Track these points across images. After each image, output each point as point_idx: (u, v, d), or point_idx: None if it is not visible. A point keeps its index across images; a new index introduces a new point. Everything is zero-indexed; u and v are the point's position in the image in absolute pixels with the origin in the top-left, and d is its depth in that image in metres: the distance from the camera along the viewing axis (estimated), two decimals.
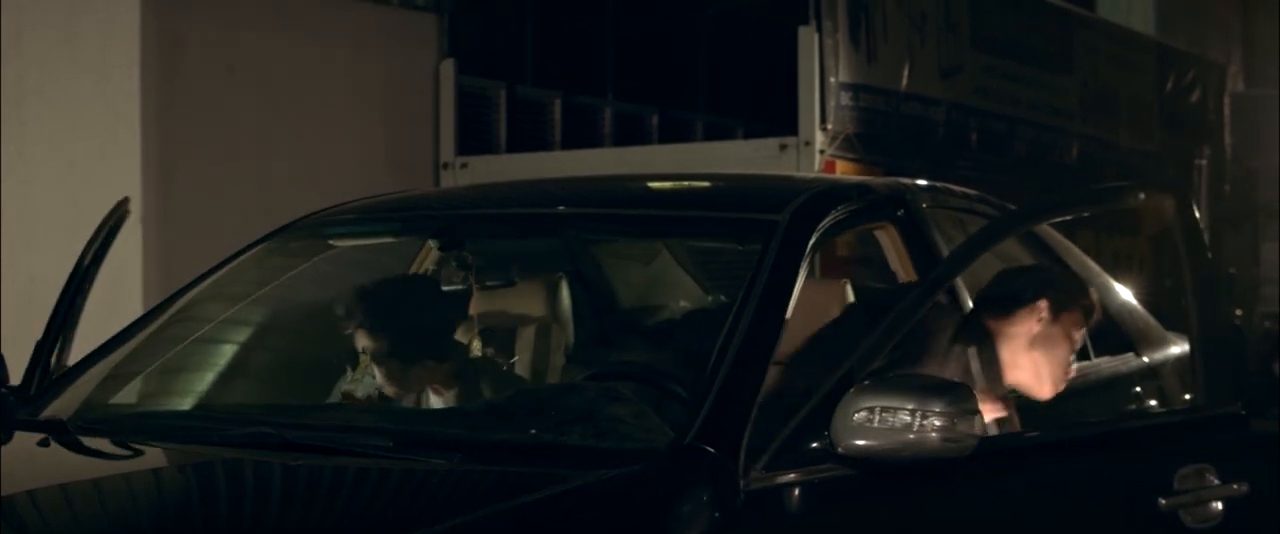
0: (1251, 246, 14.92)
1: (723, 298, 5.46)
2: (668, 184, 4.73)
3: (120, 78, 7.62)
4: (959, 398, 3.07)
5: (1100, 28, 12.21)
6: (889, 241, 4.05)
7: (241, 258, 4.24)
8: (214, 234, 8.28)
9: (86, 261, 4.07)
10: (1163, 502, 3.73)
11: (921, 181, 4.60)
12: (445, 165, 9.10)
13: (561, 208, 4.06)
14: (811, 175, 6.27)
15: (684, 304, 5.51)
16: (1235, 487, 3.86)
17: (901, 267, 4.06)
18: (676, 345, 4.33)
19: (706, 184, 4.59)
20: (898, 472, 3.09)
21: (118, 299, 7.41)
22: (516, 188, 4.60)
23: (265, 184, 8.57)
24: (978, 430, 3.11)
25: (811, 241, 3.60)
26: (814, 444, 3.08)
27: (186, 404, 4.09)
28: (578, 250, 4.79)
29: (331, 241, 4.26)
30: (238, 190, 8.46)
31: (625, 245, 4.67)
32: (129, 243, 7.51)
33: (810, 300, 3.72)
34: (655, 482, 3.02)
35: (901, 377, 3.24)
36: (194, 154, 8.21)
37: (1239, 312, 14.04)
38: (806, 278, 3.55)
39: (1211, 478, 3.82)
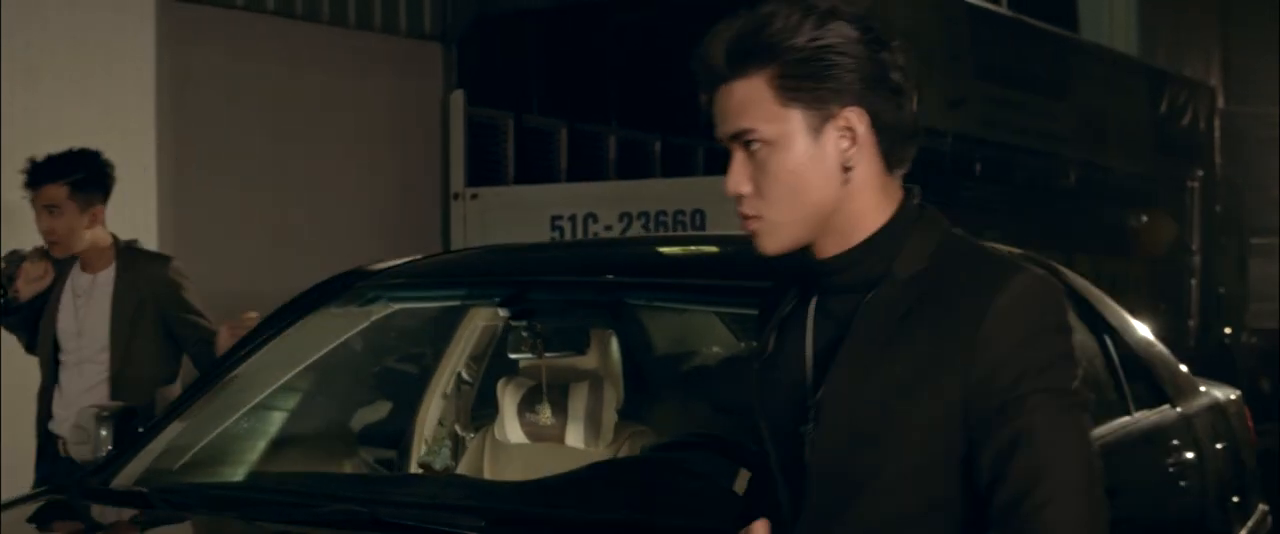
0: (1239, 264, 15.06)
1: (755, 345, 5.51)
2: (718, 249, 4.75)
3: (134, 110, 7.63)
4: None
5: (1094, 53, 12.32)
6: None
7: (303, 320, 4.26)
8: (228, 265, 8.32)
9: None
10: None
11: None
12: (456, 196, 9.14)
13: (625, 278, 4.08)
14: None
15: (716, 350, 5.57)
16: None
17: None
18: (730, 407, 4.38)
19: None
20: None
21: None
22: (570, 251, 4.64)
23: (278, 215, 8.62)
24: None
25: None
26: None
27: (248, 472, 4.11)
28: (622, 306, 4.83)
29: (392, 303, 4.29)
30: (251, 222, 8.50)
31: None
32: None
33: None
34: None
35: None
36: (207, 186, 8.25)
37: (1228, 330, 14.19)
38: None
39: None
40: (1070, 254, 9.88)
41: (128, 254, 5.38)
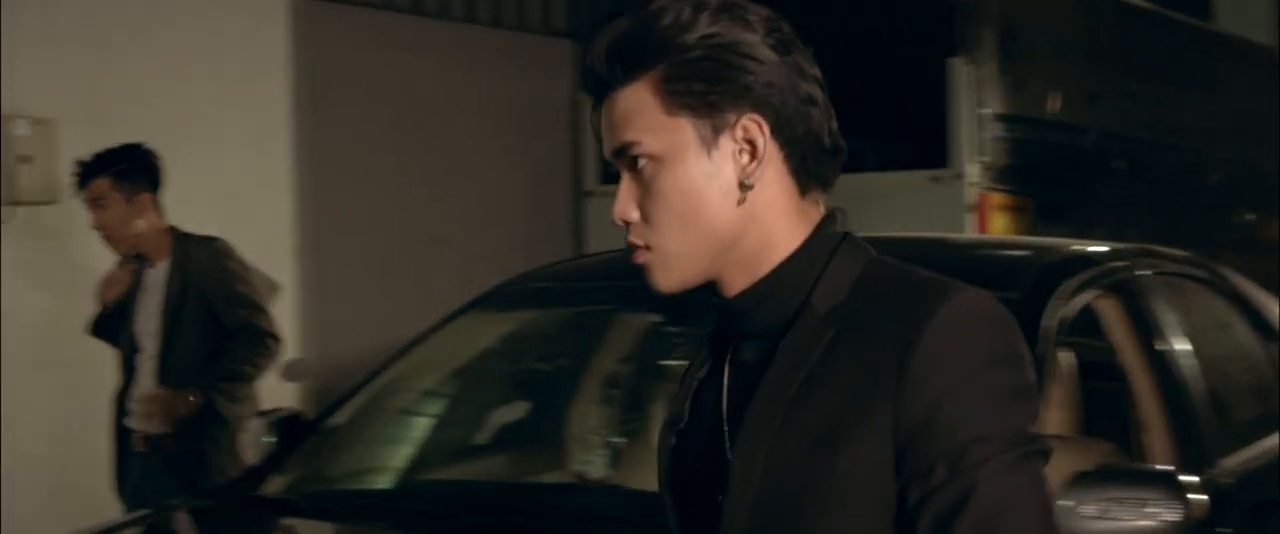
0: None
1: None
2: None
3: (269, 110, 7.63)
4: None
5: (1240, 47, 12.01)
6: (1110, 311, 3.95)
7: (449, 325, 4.20)
8: (362, 263, 8.33)
9: None
10: None
11: (1132, 246, 4.51)
12: (588, 194, 9.07)
13: None
14: (1028, 240, 6.02)
15: None
16: None
17: (1123, 335, 3.96)
18: None
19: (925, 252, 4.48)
20: None
21: None
22: None
23: (411, 213, 8.61)
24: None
25: (1046, 316, 3.53)
26: None
27: (396, 479, 4.05)
28: None
29: (538, 308, 4.22)
30: (382, 219, 8.49)
31: None
32: (282, 275, 7.54)
33: None
34: None
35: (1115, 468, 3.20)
36: (340, 184, 8.25)
37: None
38: None
39: None
40: (1214, 251, 9.62)
41: (182, 242, 5.38)
